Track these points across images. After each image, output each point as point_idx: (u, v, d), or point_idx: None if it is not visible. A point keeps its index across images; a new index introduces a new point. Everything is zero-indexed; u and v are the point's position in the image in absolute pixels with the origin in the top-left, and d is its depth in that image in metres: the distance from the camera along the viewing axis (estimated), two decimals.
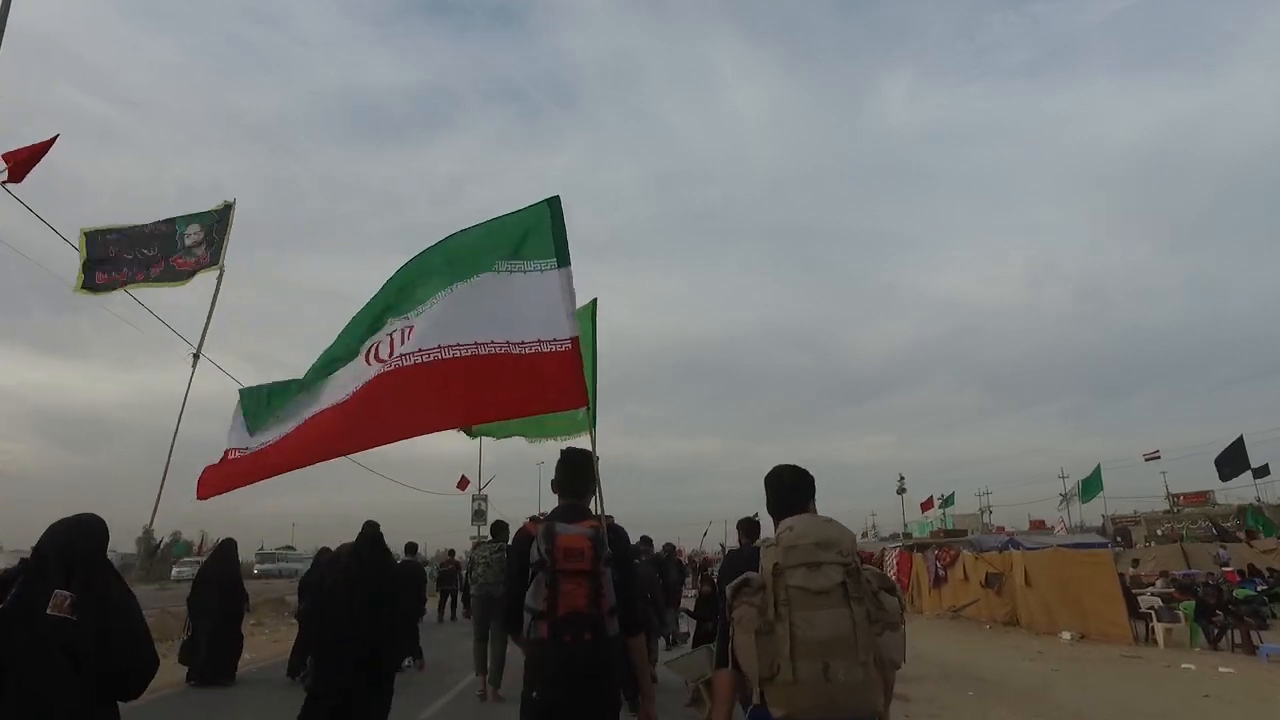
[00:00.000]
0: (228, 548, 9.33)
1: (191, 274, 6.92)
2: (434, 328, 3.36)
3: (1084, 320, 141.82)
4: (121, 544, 76.04)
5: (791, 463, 2.40)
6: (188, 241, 7.05)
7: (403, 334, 3.47)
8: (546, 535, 2.65)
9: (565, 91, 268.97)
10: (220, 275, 6.74)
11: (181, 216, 7.10)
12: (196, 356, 6.43)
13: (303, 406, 3.63)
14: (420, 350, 3.31)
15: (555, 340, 3.19)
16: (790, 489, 2.32)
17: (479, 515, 37.14)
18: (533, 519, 3.22)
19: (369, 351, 3.54)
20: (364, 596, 4.25)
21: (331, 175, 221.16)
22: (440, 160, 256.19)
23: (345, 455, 3.63)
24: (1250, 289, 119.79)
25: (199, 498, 3.63)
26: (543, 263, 3.35)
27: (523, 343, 3.23)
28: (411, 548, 9.00)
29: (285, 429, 3.60)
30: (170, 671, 9.11)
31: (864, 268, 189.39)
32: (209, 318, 6.50)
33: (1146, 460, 49.95)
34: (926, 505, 56.47)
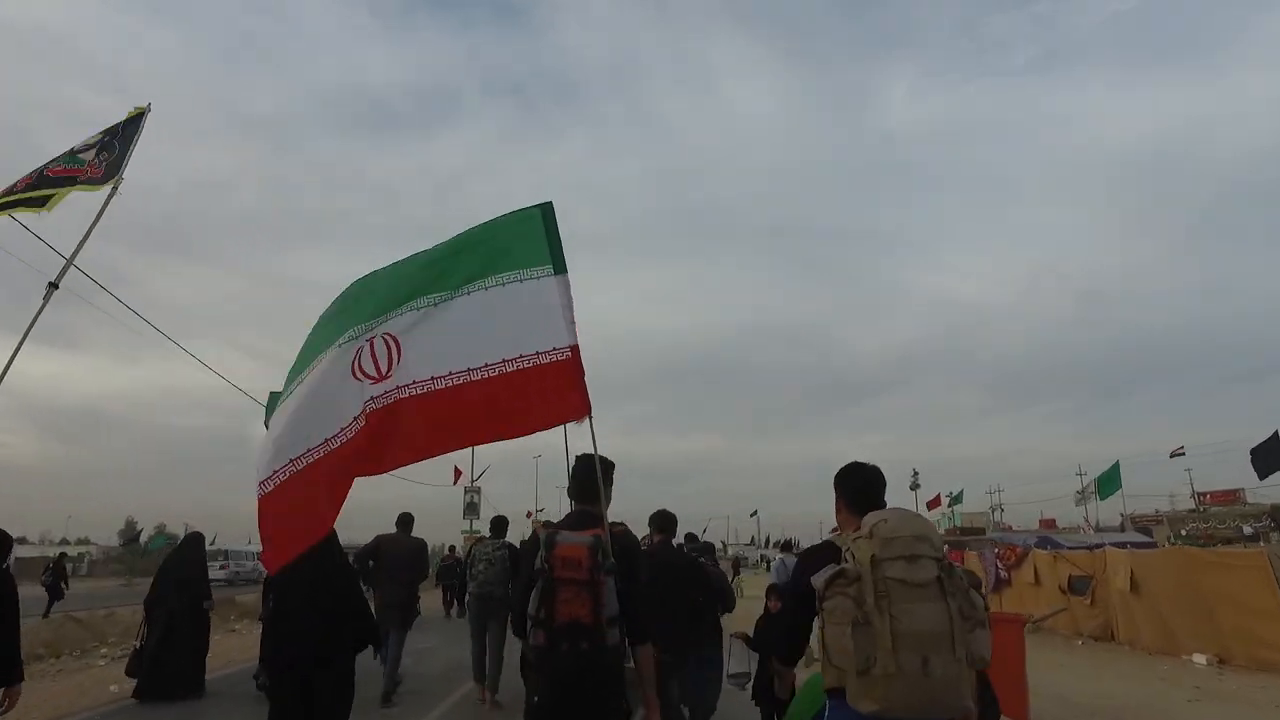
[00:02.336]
0: (194, 541, 8.34)
1: (70, 184, 5.21)
2: (429, 354, 3.14)
3: (1083, 320, 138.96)
4: (105, 538, 73.85)
5: (863, 460, 2.41)
6: (75, 146, 5.39)
7: (389, 347, 3.18)
8: (547, 543, 2.63)
9: (566, 87, 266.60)
10: (114, 190, 5.23)
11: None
12: (53, 286, 4.91)
13: (296, 422, 3.23)
14: (415, 382, 3.14)
15: (554, 350, 2.98)
16: (871, 485, 2.33)
17: (471, 509, 34.54)
18: (545, 524, 2.91)
19: (355, 362, 3.19)
20: (313, 595, 3.83)
21: (331, 169, 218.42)
22: (440, 155, 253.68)
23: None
24: (1251, 290, 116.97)
25: (270, 571, 3.55)
26: (538, 269, 3.13)
27: (520, 356, 3.01)
28: (406, 520, 7.56)
29: (290, 455, 3.16)
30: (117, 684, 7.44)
31: (863, 266, 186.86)
32: (84, 238, 5.02)
33: (1172, 457, 47.67)
34: (933, 503, 54.80)
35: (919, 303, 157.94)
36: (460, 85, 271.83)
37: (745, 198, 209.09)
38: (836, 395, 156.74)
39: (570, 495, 2.90)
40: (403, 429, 3.12)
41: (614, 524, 2.80)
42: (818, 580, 2.00)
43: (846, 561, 2.01)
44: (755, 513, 76.21)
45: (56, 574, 18.16)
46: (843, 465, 2.42)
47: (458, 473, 34.77)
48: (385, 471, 3.22)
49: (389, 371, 3.16)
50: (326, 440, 3.14)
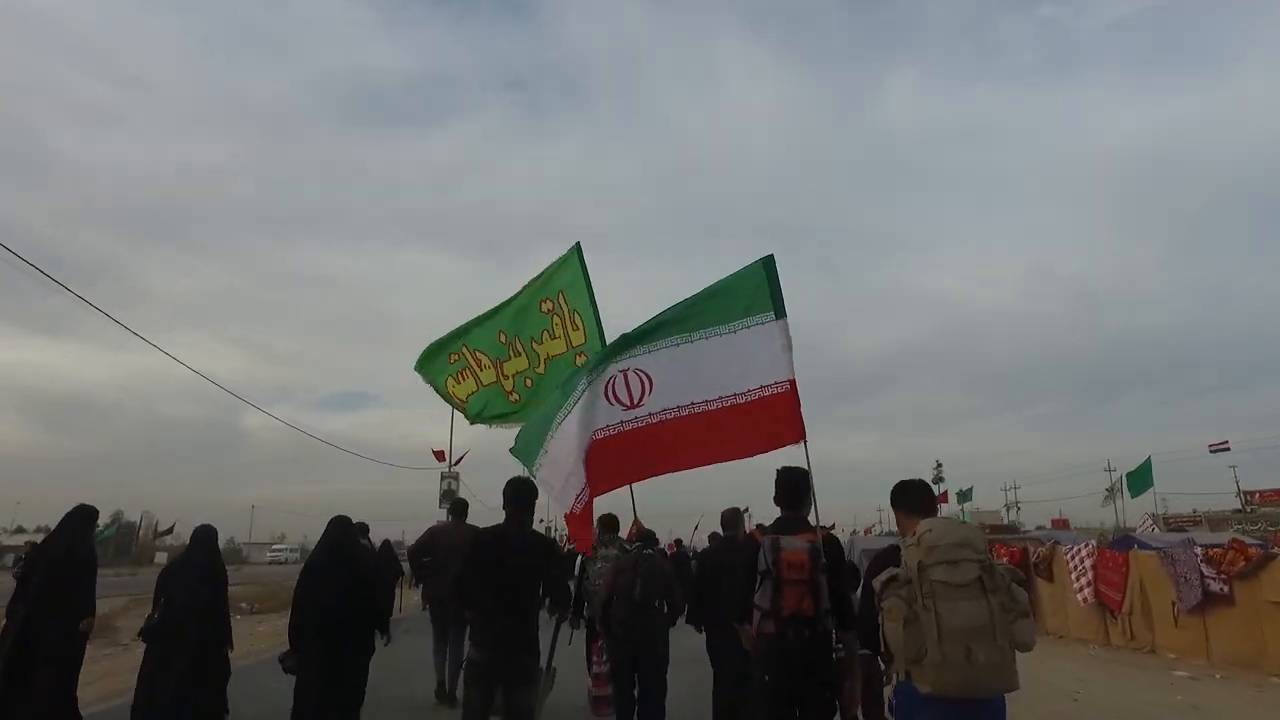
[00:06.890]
0: (80, 518, 4.92)
1: None
2: (674, 388, 3.92)
3: (1079, 322, 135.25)
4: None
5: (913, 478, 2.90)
6: None
7: (642, 380, 4.00)
8: (773, 549, 3.11)
9: (568, 82, 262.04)
10: None
11: None
12: None
13: (576, 423, 4.03)
14: (664, 410, 3.91)
15: (776, 383, 3.69)
16: (920, 495, 2.82)
17: (448, 495, 29.32)
18: (759, 527, 3.35)
19: (609, 388, 4.03)
20: (334, 584, 4.27)
21: (330, 161, 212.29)
22: (440, 148, 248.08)
23: (616, 488, 4.25)
24: (1247, 294, 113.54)
25: (593, 495, 4.11)
26: (764, 315, 3.82)
27: (748, 390, 3.74)
28: (461, 507, 6.98)
29: (580, 443, 3.98)
30: None
31: (860, 266, 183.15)
32: None
33: (1213, 451, 43.15)
34: (940, 498, 51.12)
35: (915, 303, 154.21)
36: (462, 78, 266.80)
37: (745, 195, 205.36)
38: (833, 393, 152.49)
39: (778, 502, 3.43)
40: (641, 450, 3.95)
41: (823, 528, 3.34)
42: (876, 582, 2.40)
43: (901, 566, 2.37)
44: (747, 509, 72.35)
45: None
46: (895, 483, 2.87)
47: (441, 454, 29.83)
48: (621, 485, 4.22)
49: (640, 401, 3.97)
50: (582, 445, 3.93)
